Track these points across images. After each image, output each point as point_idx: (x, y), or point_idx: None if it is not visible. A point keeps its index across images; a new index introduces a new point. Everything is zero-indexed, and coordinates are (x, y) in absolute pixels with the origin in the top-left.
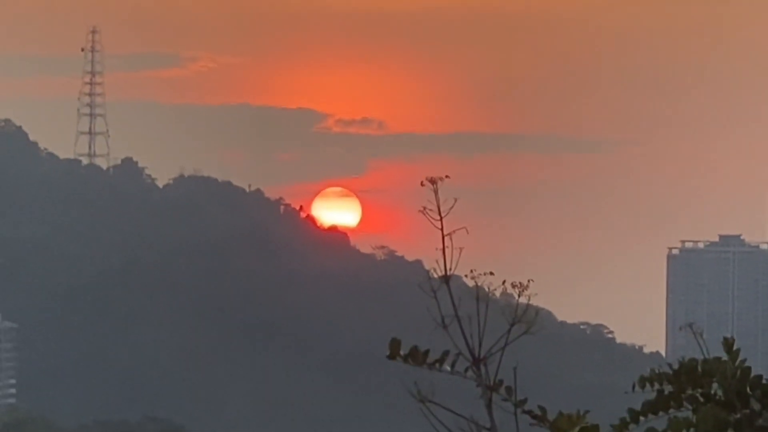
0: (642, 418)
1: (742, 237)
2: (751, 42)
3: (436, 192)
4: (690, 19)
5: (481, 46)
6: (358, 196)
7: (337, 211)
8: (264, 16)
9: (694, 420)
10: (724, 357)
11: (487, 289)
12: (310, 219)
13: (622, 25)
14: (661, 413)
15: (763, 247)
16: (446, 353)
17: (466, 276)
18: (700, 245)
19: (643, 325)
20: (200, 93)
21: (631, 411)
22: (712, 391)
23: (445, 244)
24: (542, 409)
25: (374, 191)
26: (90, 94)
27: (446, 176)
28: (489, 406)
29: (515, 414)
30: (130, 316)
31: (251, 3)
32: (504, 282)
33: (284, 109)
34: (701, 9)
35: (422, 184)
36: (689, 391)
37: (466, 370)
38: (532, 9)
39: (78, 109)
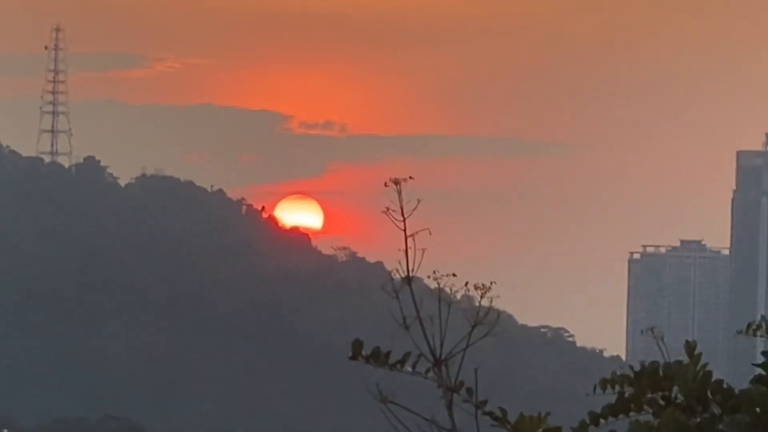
0: (602, 421)
1: (703, 242)
2: (710, 46)
3: (399, 193)
4: (648, 24)
5: (442, 49)
6: (319, 198)
7: (300, 214)
8: (230, 19)
9: (655, 423)
10: (686, 361)
11: (449, 291)
12: (272, 219)
13: (582, 30)
14: (621, 416)
15: (724, 252)
16: (408, 354)
17: (428, 277)
18: (662, 250)
19: (604, 329)
20: (165, 93)
21: (591, 413)
22: (673, 395)
23: (408, 245)
24: (503, 410)
25: (335, 193)
26: (53, 92)
27: (410, 177)
28: (450, 407)
29: (476, 415)
30: (90, 315)
31: (218, 6)
32: (466, 284)
33: (248, 110)
34: (659, 14)
35: (386, 185)
36: (650, 395)
37: (428, 371)
38: (493, 12)
39: (40, 108)
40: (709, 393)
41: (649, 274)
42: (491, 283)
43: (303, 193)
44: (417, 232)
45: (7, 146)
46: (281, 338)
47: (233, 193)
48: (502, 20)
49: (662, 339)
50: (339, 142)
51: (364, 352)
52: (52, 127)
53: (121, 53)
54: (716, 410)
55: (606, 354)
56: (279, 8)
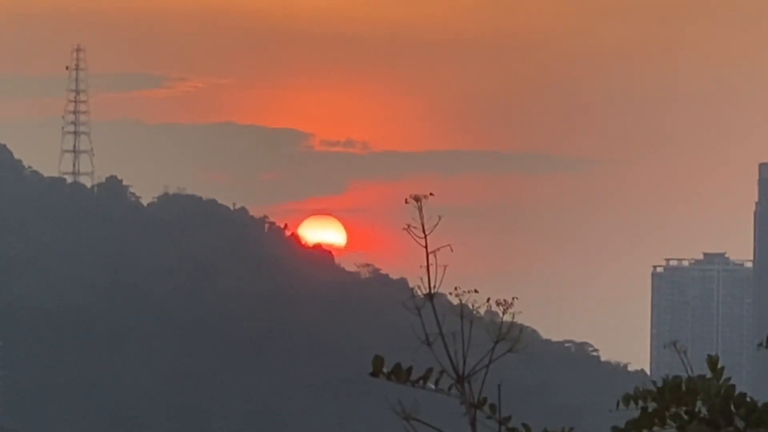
0: None
1: (726, 255)
2: (731, 59)
3: (420, 210)
4: (674, 39)
5: (462, 65)
6: (341, 216)
7: (322, 231)
8: (251, 39)
9: None
10: (709, 375)
11: (471, 307)
12: (295, 237)
13: (607, 45)
14: (645, 431)
15: (748, 265)
16: (430, 371)
17: (450, 294)
18: (685, 263)
19: (628, 343)
20: (186, 113)
21: (615, 429)
22: (696, 409)
23: (430, 261)
24: (526, 427)
25: (358, 210)
26: (75, 113)
27: (430, 194)
28: (473, 424)
29: None
30: (115, 335)
31: (238, 25)
32: (488, 300)
33: (269, 128)
34: (685, 29)
35: (406, 202)
36: (673, 409)
37: (450, 387)
38: (516, 28)
39: (62, 128)
40: (732, 407)
41: (673, 288)
42: (513, 298)
43: (325, 211)
44: (438, 249)
45: (29, 166)
46: (304, 355)
47: (256, 211)
48: (525, 35)
49: (685, 353)
50: (360, 160)
51: (385, 369)
52: (74, 147)
53: (143, 73)
54: (740, 424)
55: (630, 368)
56: (299, 28)
